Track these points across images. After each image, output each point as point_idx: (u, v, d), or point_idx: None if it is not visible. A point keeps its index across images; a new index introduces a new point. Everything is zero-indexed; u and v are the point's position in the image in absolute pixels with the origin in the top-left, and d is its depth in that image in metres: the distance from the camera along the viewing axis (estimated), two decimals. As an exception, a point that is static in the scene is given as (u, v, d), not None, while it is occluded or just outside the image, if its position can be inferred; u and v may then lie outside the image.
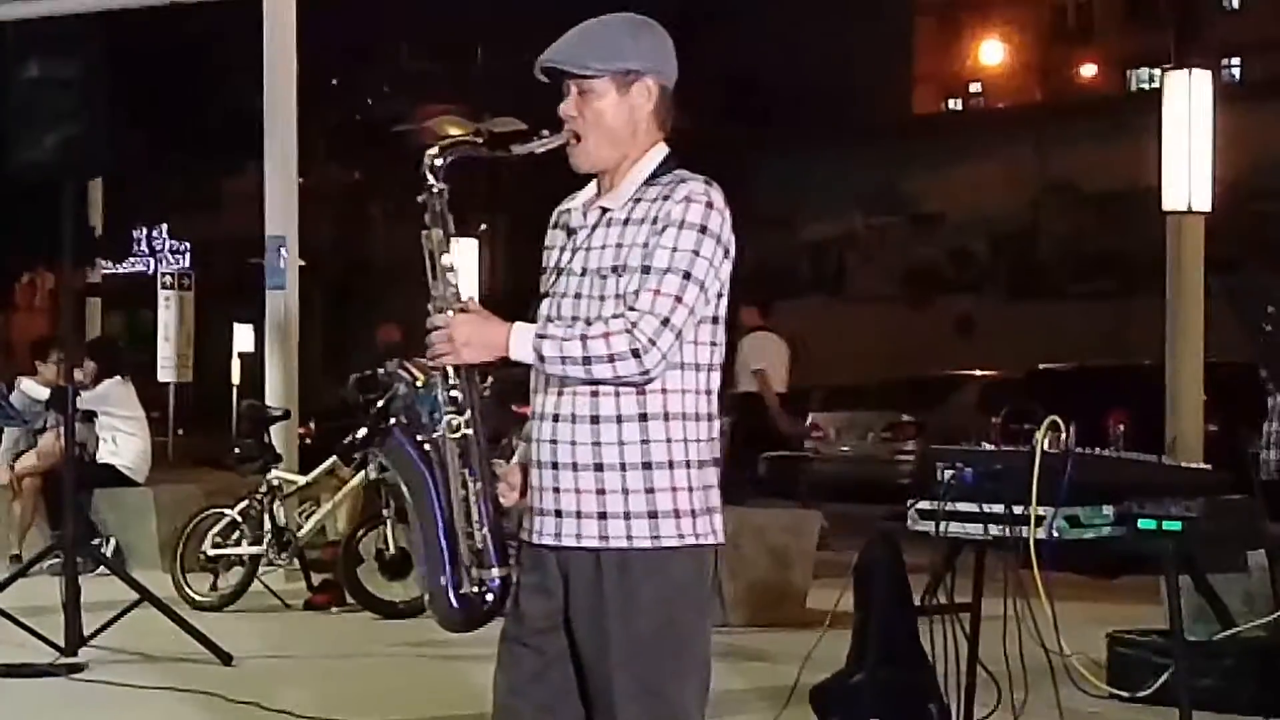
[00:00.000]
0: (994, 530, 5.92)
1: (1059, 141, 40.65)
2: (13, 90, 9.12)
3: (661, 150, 3.96)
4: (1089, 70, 56.89)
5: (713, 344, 3.91)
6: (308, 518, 11.32)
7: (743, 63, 48.19)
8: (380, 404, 3.45)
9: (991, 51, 59.32)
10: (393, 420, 3.95)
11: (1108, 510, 5.84)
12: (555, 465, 3.87)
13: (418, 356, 4.00)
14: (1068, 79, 56.27)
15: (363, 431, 3.57)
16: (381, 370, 10.49)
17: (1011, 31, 58.53)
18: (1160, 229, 12.96)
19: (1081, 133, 39.80)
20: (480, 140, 4.04)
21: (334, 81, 41.94)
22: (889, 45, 53.50)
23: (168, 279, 26.53)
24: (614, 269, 3.85)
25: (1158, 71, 15.46)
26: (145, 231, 48.04)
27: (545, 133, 3.98)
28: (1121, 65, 54.16)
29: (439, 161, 3.94)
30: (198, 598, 11.10)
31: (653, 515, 3.83)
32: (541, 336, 3.79)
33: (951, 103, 59.09)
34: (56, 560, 9.82)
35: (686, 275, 3.78)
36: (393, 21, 42.47)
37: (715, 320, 3.90)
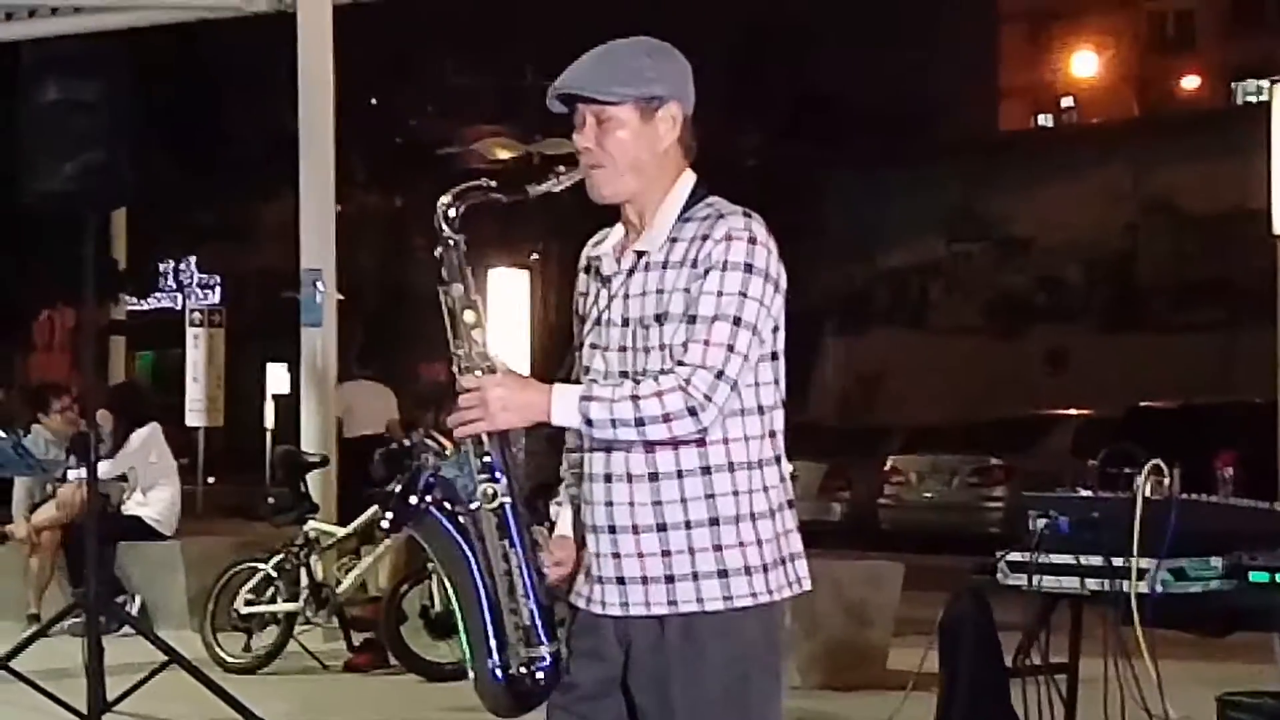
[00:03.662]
0: (1092, 584, 5.88)
1: (1158, 159, 40.48)
2: (30, 114, 9.17)
3: (690, 179, 3.96)
4: (1191, 82, 56.73)
5: (775, 382, 3.91)
6: (347, 572, 11.33)
7: (815, 77, 48.26)
8: (401, 484, 3.43)
9: (1084, 63, 59.21)
10: (421, 500, 3.93)
11: (1216, 562, 5.80)
12: (614, 529, 3.87)
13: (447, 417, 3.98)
14: (1168, 91, 56.11)
15: (390, 515, 3.56)
16: (407, 442, 10.49)
17: (1106, 41, 58.42)
18: (1270, 253, 12.87)
19: (1183, 150, 39.64)
20: (493, 185, 4.02)
21: (374, 102, 42.18)
22: (973, 56, 53.48)
23: (197, 316, 26.68)
24: (657, 318, 3.85)
25: (1265, 83, 15.38)
26: (172, 265, 48.42)
27: (561, 169, 3.98)
28: (1226, 76, 53.97)
29: (453, 211, 3.94)
30: (230, 659, 11.13)
31: (723, 574, 3.82)
32: (588, 399, 3.78)
33: (1041, 118, 58.98)
34: (78, 620, 9.85)
35: (736, 321, 3.78)
36: (437, 37, 42.71)
37: (774, 357, 3.91)
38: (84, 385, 12.39)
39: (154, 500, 13.10)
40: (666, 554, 3.83)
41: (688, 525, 3.82)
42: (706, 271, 3.81)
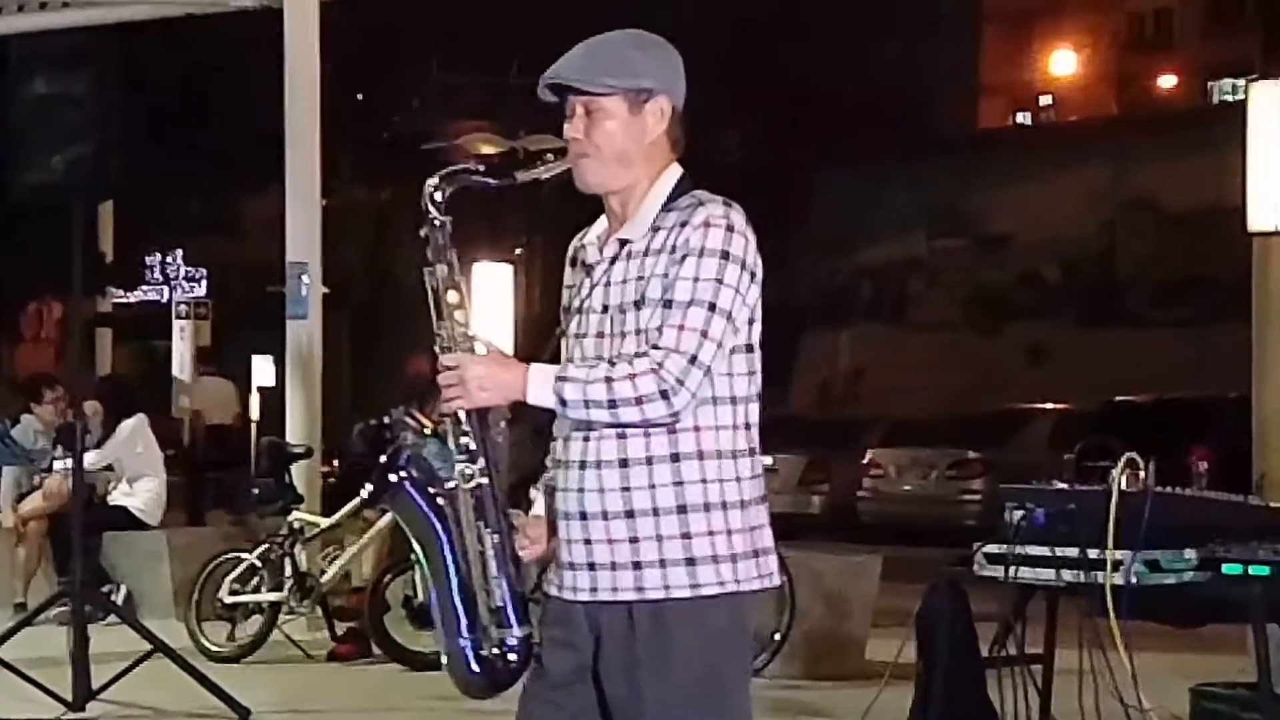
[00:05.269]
0: (1068, 576, 5.90)
1: (1136, 157, 40.53)
2: (18, 107, 9.17)
3: (676, 171, 3.96)
4: (1168, 81, 56.75)
5: (749, 374, 3.91)
6: (331, 562, 11.33)
7: (799, 76, 48.24)
8: (384, 458, 3.45)
9: (1063, 61, 59.23)
10: (398, 475, 3.94)
11: (1190, 554, 5.82)
12: (584, 515, 3.87)
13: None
14: (1145, 90, 56.14)
15: (368, 488, 3.60)
16: (386, 419, 10.48)
17: (1085, 40, 58.45)
18: (1246, 250, 12.90)
19: (1160, 148, 39.69)
20: (480, 169, 4.04)
21: (360, 97, 42.12)
22: (954, 55, 53.48)
23: (183, 308, 26.63)
24: (635, 303, 3.86)
25: (1242, 82, 15.40)
26: (159, 257, 48.22)
27: (550, 157, 3.99)
28: (1203, 75, 53.99)
29: (439, 194, 3.95)
30: (214, 648, 11.12)
31: (690, 562, 3.83)
32: (562, 379, 3.79)
33: (1020, 116, 58.98)
34: (64, 608, 9.84)
35: (711, 307, 3.78)
36: (423, 33, 42.68)
37: (749, 349, 3.90)
38: (70, 377, 12.36)
39: (140, 491, 13.10)
40: (634, 540, 3.83)
41: (655, 512, 3.83)
42: (683, 257, 3.81)
